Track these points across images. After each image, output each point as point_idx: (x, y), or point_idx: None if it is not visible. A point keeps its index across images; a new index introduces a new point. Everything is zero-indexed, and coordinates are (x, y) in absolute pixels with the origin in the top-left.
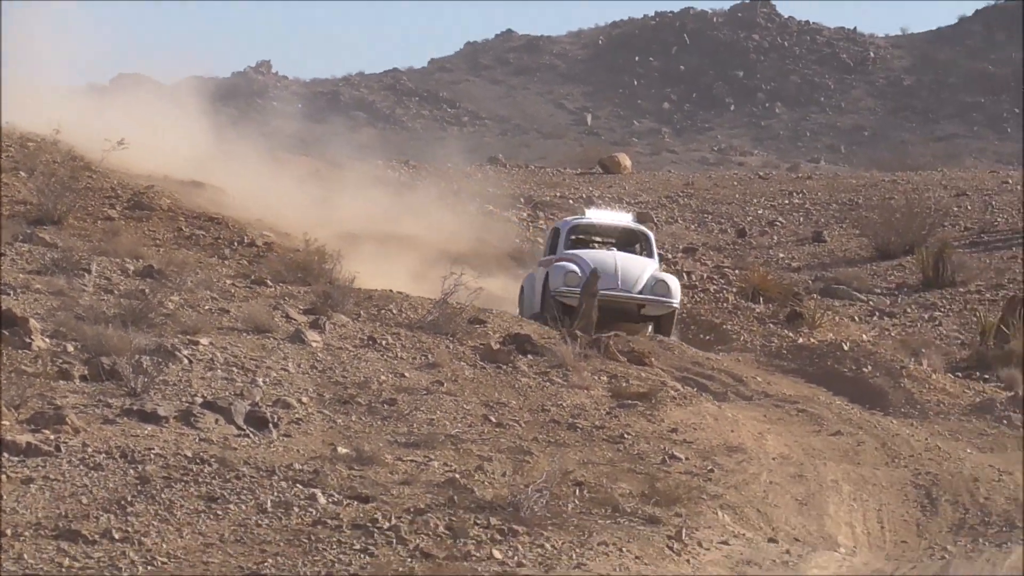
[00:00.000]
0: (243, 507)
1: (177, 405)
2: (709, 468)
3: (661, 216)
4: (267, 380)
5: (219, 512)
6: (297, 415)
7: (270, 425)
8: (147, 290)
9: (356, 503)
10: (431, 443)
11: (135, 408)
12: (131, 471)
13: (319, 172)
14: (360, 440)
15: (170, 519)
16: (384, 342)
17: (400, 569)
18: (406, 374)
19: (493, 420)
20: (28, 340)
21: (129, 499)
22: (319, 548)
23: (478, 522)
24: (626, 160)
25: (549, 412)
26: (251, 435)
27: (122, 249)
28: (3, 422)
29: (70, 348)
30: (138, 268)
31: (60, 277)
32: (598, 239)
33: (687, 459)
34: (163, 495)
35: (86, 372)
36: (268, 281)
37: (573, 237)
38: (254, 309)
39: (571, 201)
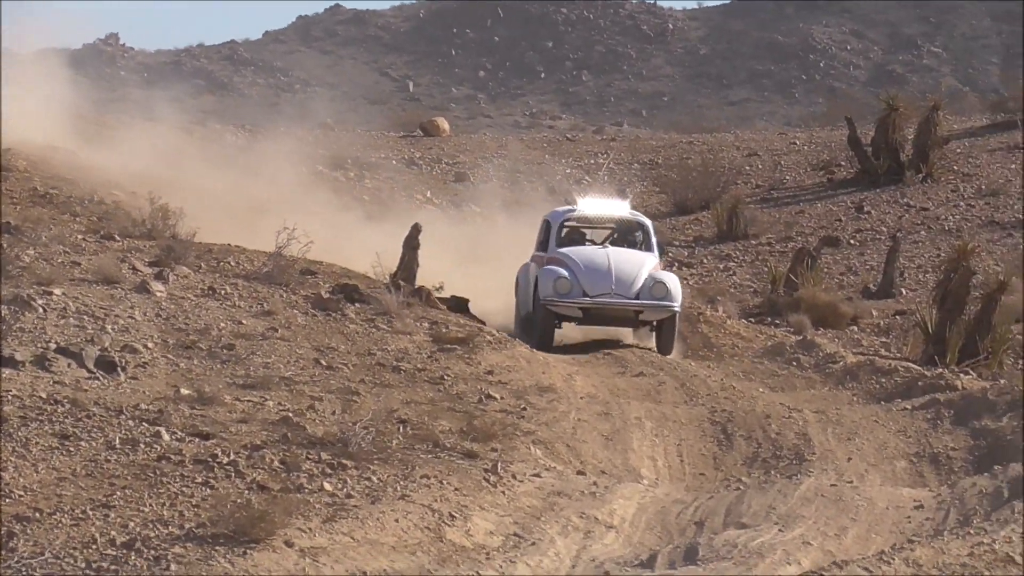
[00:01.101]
0: (93, 444)
1: (32, 350)
2: (522, 407)
3: (477, 176)
4: (115, 327)
5: (71, 449)
6: (143, 359)
7: (118, 368)
8: (4, 245)
9: (197, 440)
10: (266, 385)
11: None
12: None
13: (166, 135)
14: (201, 382)
15: (26, 455)
16: (223, 292)
17: (238, 500)
18: (243, 321)
19: (323, 363)
20: None
21: None
22: (163, 481)
23: (310, 457)
24: (445, 124)
25: (375, 356)
26: (101, 378)
27: None
28: None
29: None
30: None
31: None
32: (592, 231)
33: (502, 399)
34: (19, 433)
35: None
36: (116, 236)
37: (565, 231)
38: (103, 262)
39: (394, 162)
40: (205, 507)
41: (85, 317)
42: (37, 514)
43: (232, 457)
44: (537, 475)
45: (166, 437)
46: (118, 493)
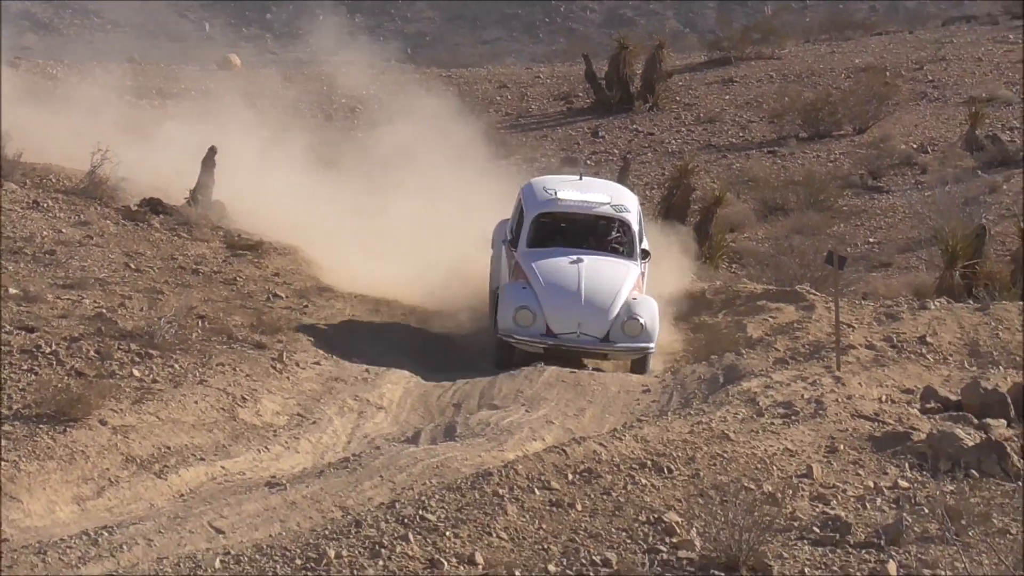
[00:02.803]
0: None
1: None
2: (305, 304)
3: (264, 103)
4: None
5: None
6: None
7: None
8: None
9: (24, 333)
10: (83, 285)
11: None
12: None
13: None
14: (27, 283)
15: None
16: (46, 205)
17: (59, 385)
18: (63, 230)
19: (132, 267)
20: None
21: None
22: None
23: (121, 347)
24: (236, 60)
25: (177, 260)
26: None
27: None
28: None
29: None
30: None
31: None
32: (570, 225)
33: (287, 297)
34: None
35: None
36: None
37: (539, 225)
38: None
39: (193, 93)
40: (30, 391)
41: None
42: None
43: (54, 347)
44: (317, 363)
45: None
46: None
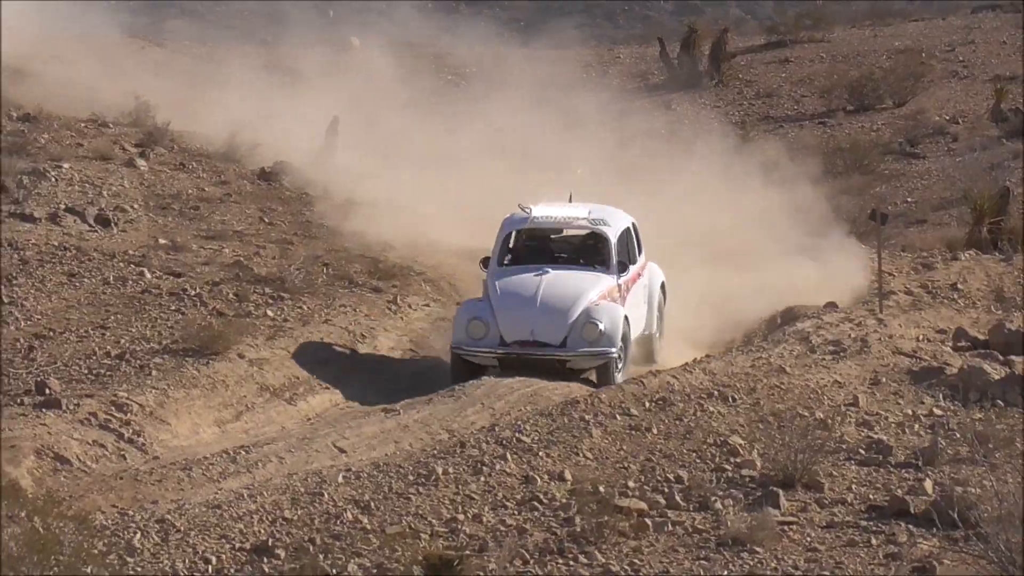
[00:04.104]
0: (93, 280)
1: (47, 210)
2: (415, 255)
3: (382, 79)
4: (109, 193)
5: (77, 284)
6: (130, 217)
7: (112, 224)
8: (25, 130)
9: (172, 278)
10: (223, 236)
11: (17, 212)
12: (15, 255)
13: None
14: (174, 234)
15: (43, 289)
16: (190, 166)
17: (202, 323)
18: (206, 189)
19: (266, 221)
20: None
21: (14, 275)
22: (146, 309)
23: (256, 291)
24: (356, 41)
25: (304, 215)
26: (98, 230)
27: (9, 101)
28: None
29: None
30: (20, 114)
31: None
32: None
33: (399, 248)
34: (38, 272)
35: None
36: (110, 124)
37: (514, 244)
38: (100, 143)
39: (318, 71)
40: (178, 328)
41: (86, 185)
42: (50, 333)
43: (198, 291)
44: (426, 305)
45: (148, 275)
46: (112, 318)
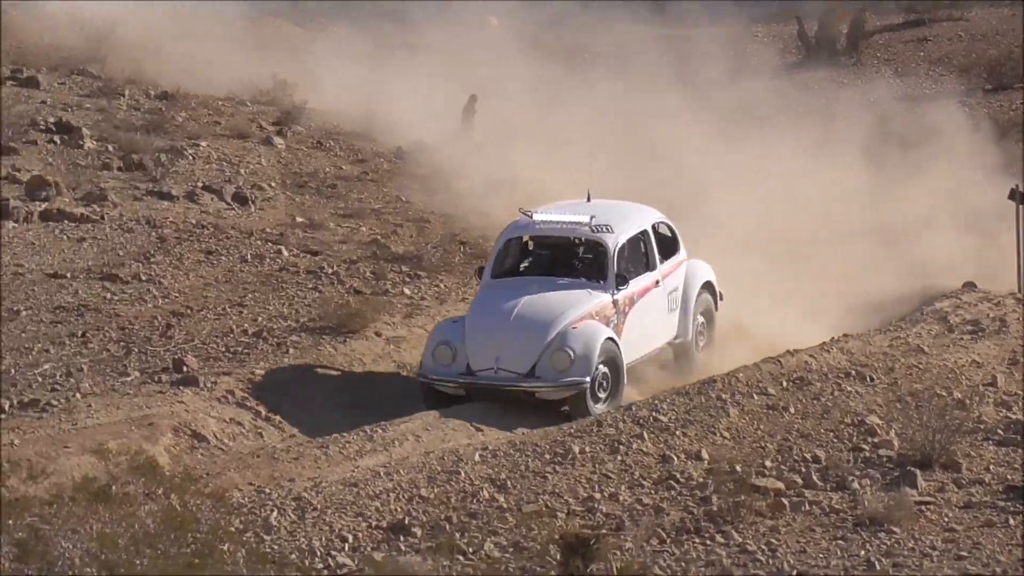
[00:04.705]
0: (231, 258)
1: (185, 188)
2: None
3: (517, 56)
4: (247, 171)
5: (214, 262)
6: (268, 195)
7: (249, 201)
8: (163, 108)
9: (309, 256)
10: (361, 215)
11: (155, 190)
12: (153, 233)
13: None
14: (311, 212)
15: (180, 266)
16: (328, 145)
17: (340, 301)
18: (343, 167)
19: (403, 199)
20: (81, 142)
21: (152, 252)
22: (283, 287)
23: (393, 269)
24: (494, 20)
25: (440, 194)
26: (236, 208)
27: (146, 79)
28: (64, 199)
29: (110, 148)
30: (157, 93)
31: (103, 99)
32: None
33: None
34: (175, 250)
35: (121, 164)
36: (247, 102)
37: (508, 252)
38: (237, 121)
39: (449, 48)
40: (315, 306)
41: (224, 163)
42: (188, 311)
43: (335, 269)
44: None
45: (285, 253)
46: (249, 295)
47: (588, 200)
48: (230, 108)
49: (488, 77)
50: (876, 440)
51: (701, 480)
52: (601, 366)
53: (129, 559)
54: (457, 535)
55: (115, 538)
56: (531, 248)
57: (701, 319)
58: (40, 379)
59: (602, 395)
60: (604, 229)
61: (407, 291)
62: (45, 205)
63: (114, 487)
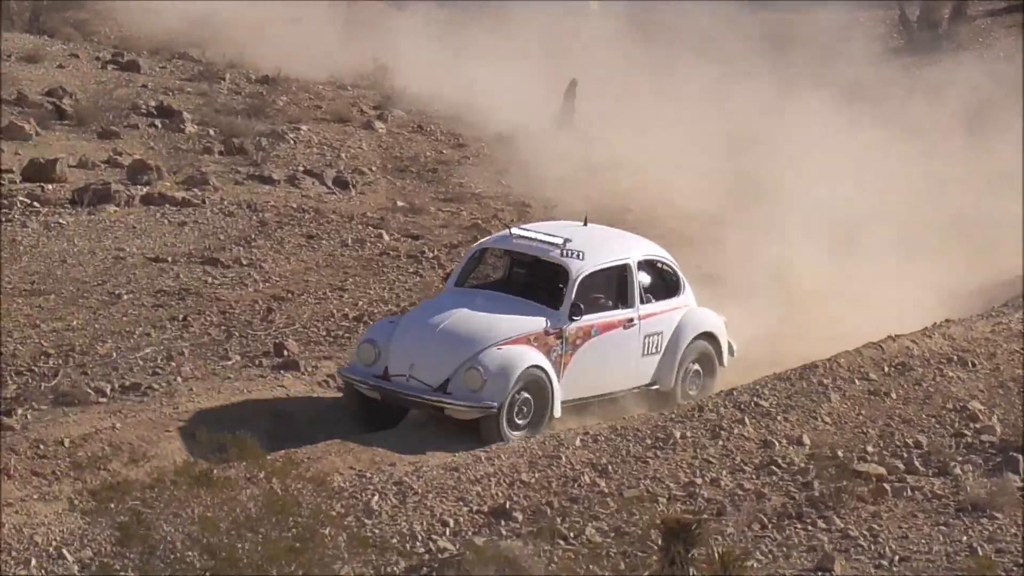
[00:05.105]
0: (332, 242)
1: (286, 172)
2: (653, 218)
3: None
4: (348, 155)
5: (315, 246)
6: (368, 179)
7: (350, 186)
8: (264, 92)
9: (410, 240)
10: (461, 199)
11: (256, 174)
12: (254, 217)
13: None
14: (412, 196)
15: (281, 250)
16: (428, 129)
17: (440, 286)
18: (444, 151)
19: (503, 183)
20: (182, 126)
21: (253, 236)
22: (384, 271)
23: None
24: (595, 5)
25: (538, 177)
26: (337, 192)
27: (247, 63)
28: (165, 183)
29: (211, 132)
30: (258, 76)
31: (204, 83)
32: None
33: (637, 211)
34: (276, 234)
35: (222, 148)
36: (348, 86)
37: (477, 262)
38: (338, 105)
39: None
40: (415, 290)
41: (325, 147)
42: (289, 295)
43: (436, 253)
44: None
45: (386, 237)
46: (350, 280)
47: (584, 224)
48: (331, 92)
49: (589, 61)
50: (978, 426)
51: (802, 465)
52: (522, 392)
53: (231, 543)
54: (558, 520)
55: (217, 522)
56: (510, 263)
57: (696, 367)
58: (141, 363)
59: (520, 422)
60: (573, 255)
61: None
62: (146, 189)
63: (215, 471)
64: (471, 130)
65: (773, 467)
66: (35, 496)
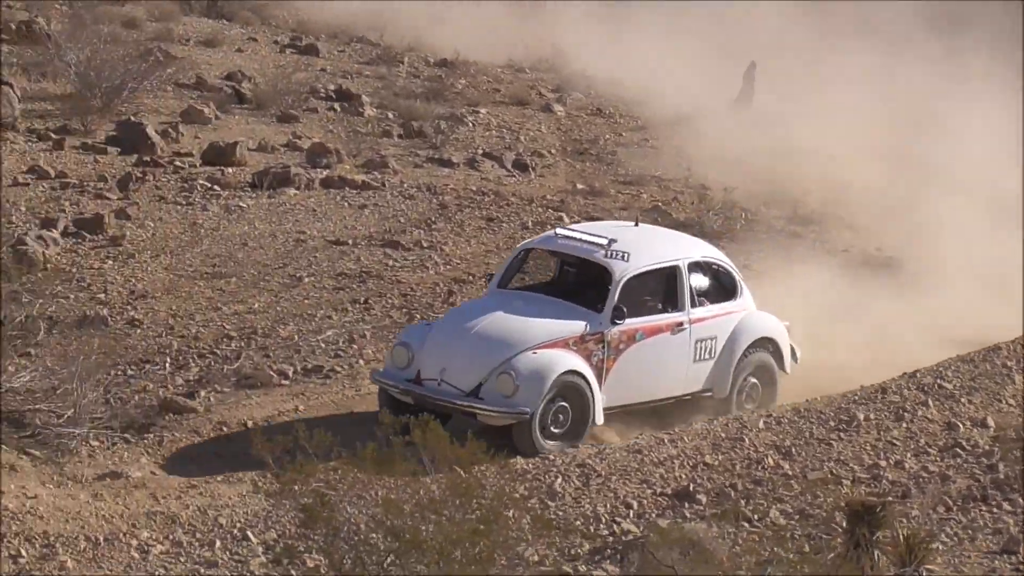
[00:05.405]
0: (511, 225)
1: (465, 155)
2: (834, 200)
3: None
4: (527, 138)
5: (495, 228)
6: (547, 162)
7: (529, 168)
8: (443, 75)
9: (590, 223)
10: (641, 181)
11: (435, 157)
12: (434, 200)
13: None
14: (591, 179)
15: (461, 233)
16: (607, 112)
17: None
18: (623, 134)
19: (684, 166)
20: (361, 110)
21: (433, 219)
22: None
23: None
24: None
25: (720, 158)
26: (516, 175)
27: (425, 47)
28: (344, 166)
29: (390, 115)
30: (436, 60)
31: (382, 67)
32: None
33: (818, 192)
34: (456, 216)
35: (401, 132)
36: (526, 69)
37: (521, 262)
38: (516, 88)
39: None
40: None
41: (504, 130)
42: (470, 277)
43: None
44: (845, 251)
45: (566, 220)
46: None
47: (636, 225)
48: (509, 75)
49: (767, 44)
50: None
51: (987, 448)
52: (557, 399)
53: (414, 525)
54: (742, 502)
55: (400, 504)
56: (555, 264)
57: (753, 380)
58: (323, 345)
59: (556, 431)
60: (619, 256)
61: None
62: (326, 172)
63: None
64: (649, 113)
65: (957, 449)
66: (218, 478)
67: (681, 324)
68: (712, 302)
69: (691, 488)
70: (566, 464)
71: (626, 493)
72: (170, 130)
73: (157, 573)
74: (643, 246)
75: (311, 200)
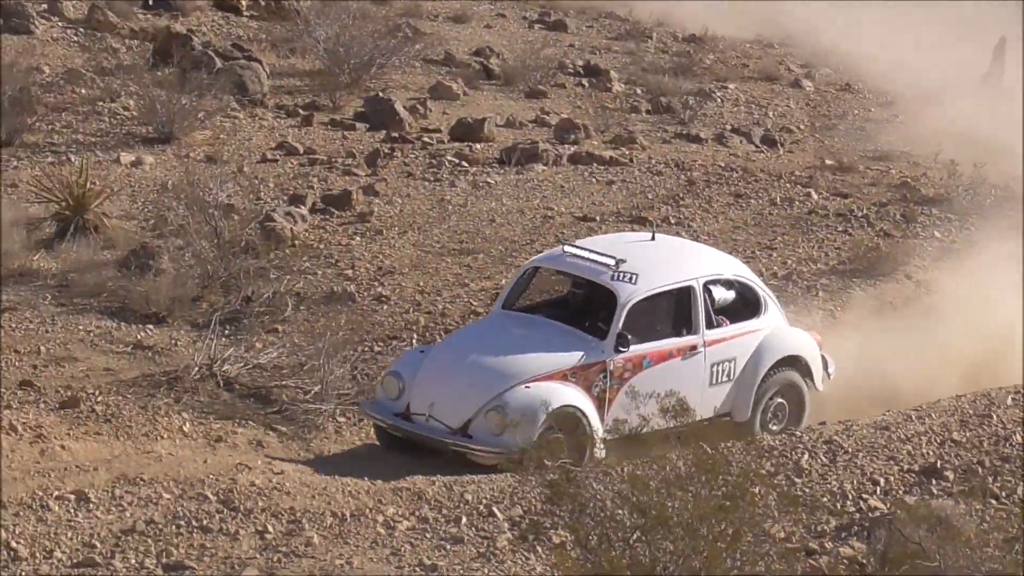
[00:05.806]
0: (760, 201)
1: (713, 130)
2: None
3: None
4: (775, 113)
5: (743, 205)
6: (796, 137)
7: (778, 144)
8: (691, 51)
9: (838, 199)
10: (890, 157)
11: (683, 132)
12: (682, 176)
13: None
14: (841, 155)
15: (709, 209)
16: (855, 87)
17: (869, 244)
18: (871, 109)
19: (932, 141)
20: (609, 85)
21: (680, 195)
22: (812, 230)
23: (923, 212)
24: None
25: (971, 136)
26: (764, 151)
27: (674, 22)
28: (592, 142)
29: (638, 91)
30: (685, 35)
31: (631, 42)
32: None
33: None
34: (704, 192)
35: (649, 107)
36: (775, 44)
37: (527, 281)
38: (765, 64)
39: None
40: (844, 249)
41: (752, 105)
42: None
43: (864, 212)
44: None
45: (815, 196)
46: (779, 238)
47: (652, 239)
48: (758, 51)
49: (1017, 18)
50: None
51: None
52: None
53: (660, 501)
54: (990, 479)
55: (646, 480)
56: (568, 285)
57: (779, 400)
58: None
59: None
60: (625, 278)
61: (937, 234)
62: (574, 148)
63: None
64: (898, 89)
65: None
66: None
67: (695, 347)
68: (733, 321)
69: (938, 465)
70: (813, 441)
71: (873, 470)
72: (418, 106)
73: (403, 549)
74: (655, 265)
75: (559, 176)
